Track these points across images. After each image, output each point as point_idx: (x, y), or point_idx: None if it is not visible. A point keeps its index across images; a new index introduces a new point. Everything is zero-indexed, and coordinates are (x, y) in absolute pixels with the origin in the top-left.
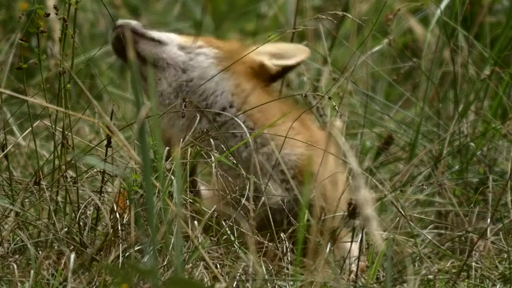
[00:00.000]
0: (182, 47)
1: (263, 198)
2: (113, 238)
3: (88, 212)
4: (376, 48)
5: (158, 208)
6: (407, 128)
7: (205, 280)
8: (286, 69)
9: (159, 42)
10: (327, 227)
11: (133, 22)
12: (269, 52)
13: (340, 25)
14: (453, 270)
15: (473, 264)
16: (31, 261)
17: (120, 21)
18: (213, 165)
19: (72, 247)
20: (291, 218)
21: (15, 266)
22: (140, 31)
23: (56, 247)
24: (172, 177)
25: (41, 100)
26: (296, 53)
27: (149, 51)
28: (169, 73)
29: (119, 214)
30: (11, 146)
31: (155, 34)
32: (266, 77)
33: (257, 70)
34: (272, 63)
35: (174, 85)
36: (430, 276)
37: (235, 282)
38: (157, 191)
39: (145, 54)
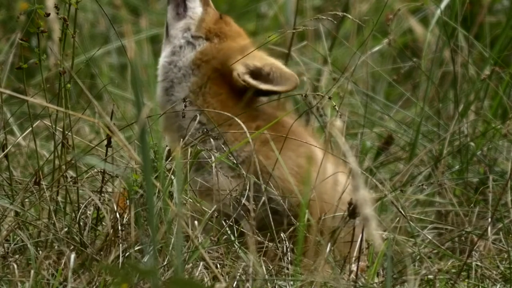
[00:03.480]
0: (187, 30)
1: (263, 198)
2: (113, 238)
3: (88, 212)
4: (376, 48)
5: (158, 208)
6: (407, 128)
7: (205, 280)
8: (261, 90)
9: (183, 11)
10: (326, 226)
11: None
12: (250, 66)
13: (340, 25)
14: (453, 270)
15: (473, 264)
16: (31, 261)
17: None
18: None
19: (72, 247)
20: (292, 218)
21: (15, 266)
22: None
23: (56, 247)
24: (172, 177)
25: (41, 100)
26: (282, 80)
27: (168, 19)
28: (167, 48)
29: (119, 214)
30: (11, 146)
31: (192, 3)
32: (234, 86)
33: (227, 76)
34: (242, 78)
35: (162, 62)
36: (430, 276)
37: (235, 282)
38: (157, 191)
39: (167, 20)
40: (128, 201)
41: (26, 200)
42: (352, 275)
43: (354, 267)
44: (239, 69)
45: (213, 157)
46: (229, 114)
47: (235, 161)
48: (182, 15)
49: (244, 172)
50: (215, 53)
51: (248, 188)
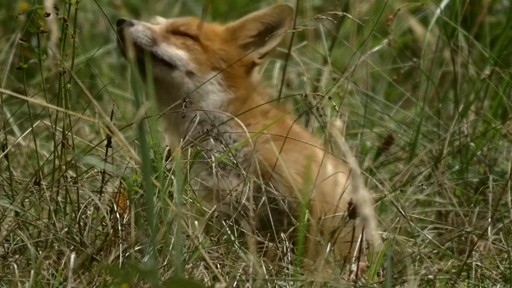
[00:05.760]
0: (190, 73)
1: (263, 198)
2: (113, 238)
3: (88, 212)
4: (376, 48)
5: (158, 208)
6: (407, 128)
7: (205, 280)
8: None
9: (170, 66)
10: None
11: (136, 31)
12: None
13: (340, 25)
14: (453, 270)
15: (473, 264)
16: (31, 261)
17: (127, 30)
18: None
19: (72, 247)
20: (292, 218)
21: (15, 266)
22: (148, 49)
23: (56, 247)
24: (172, 177)
25: (41, 100)
26: (281, 20)
27: (163, 76)
28: (176, 91)
29: (119, 214)
30: (11, 146)
31: (166, 55)
32: (251, 67)
33: (249, 67)
34: (258, 57)
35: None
36: (430, 276)
37: (235, 282)
38: (157, 191)
39: (159, 77)
40: (128, 201)
41: (26, 200)
42: (352, 275)
43: (354, 267)
44: (253, 55)
45: (213, 157)
46: (229, 114)
47: (235, 161)
48: (168, 69)
49: (244, 172)
50: (232, 74)
51: (248, 187)
